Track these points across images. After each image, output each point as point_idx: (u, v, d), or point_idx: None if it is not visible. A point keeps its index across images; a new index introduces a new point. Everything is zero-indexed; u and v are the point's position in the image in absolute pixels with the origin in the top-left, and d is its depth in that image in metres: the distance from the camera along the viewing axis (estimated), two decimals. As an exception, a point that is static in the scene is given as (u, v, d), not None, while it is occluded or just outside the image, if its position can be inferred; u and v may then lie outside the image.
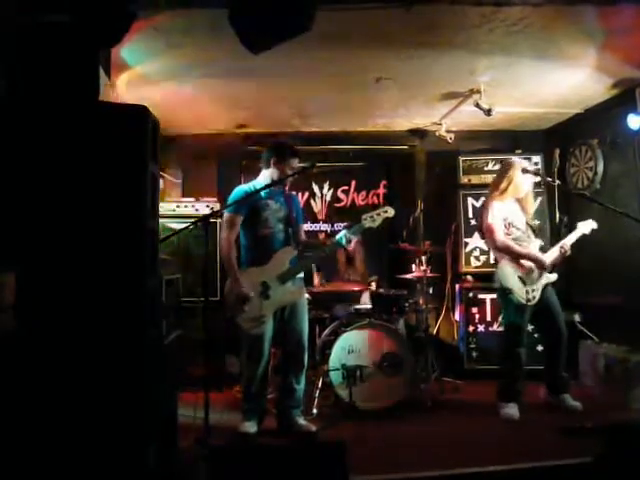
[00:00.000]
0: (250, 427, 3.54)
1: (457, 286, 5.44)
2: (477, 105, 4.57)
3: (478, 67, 4.11)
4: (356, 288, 4.82)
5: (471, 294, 5.28)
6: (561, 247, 3.97)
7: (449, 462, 3.01)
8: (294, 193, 4.12)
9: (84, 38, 2.49)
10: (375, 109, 5.21)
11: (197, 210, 5.01)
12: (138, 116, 2.49)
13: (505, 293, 3.94)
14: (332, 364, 3.99)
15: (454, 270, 5.60)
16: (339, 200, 6.02)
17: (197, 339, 3.67)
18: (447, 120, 5.34)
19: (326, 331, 4.50)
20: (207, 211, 4.74)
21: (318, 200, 6.00)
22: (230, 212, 3.61)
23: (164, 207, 4.89)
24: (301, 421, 3.65)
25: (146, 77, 4.03)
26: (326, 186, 6.00)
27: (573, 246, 4.00)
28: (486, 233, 4.05)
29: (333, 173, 5.97)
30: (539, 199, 5.29)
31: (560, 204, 4.20)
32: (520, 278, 3.90)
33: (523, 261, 3.93)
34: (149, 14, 3.06)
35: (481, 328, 5.22)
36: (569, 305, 4.25)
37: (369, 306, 4.54)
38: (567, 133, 5.58)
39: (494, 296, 5.14)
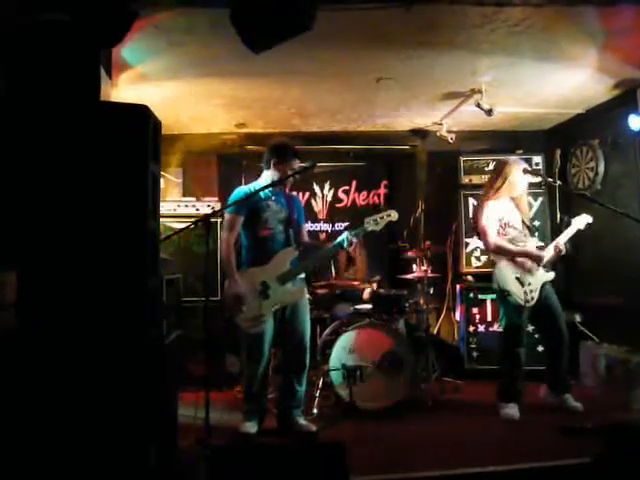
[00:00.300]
0: (251, 427, 3.54)
1: (458, 286, 5.44)
2: (478, 105, 4.57)
3: (479, 67, 4.11)
4: (355, 283, 4.81)
5: (472, 294, 5.28)
6: (555, 246, 3.97)
7: (449, 462, 3.01)
8: (295, 194, 4.12)
9: (85, 38, 2.49)
10: (376, 109, 5.21)
11: (198, 210, 5.01)
12: (139, 116, 2.49)
13: (503, 294, 3.94)
14: (332, 364, 3.99)
15: (455, 270, 5.61)
16: (340, 200, 6.01)
17: (198, 339, 3.68)
18: (448, 120, 5.33)
19: (327, 331, 4.50)
20: (208, 211, 4.74)
21: (319, 200, 6.00)
22: (230, 213, 3.62)
23: (165, 207, 4.89)
24: (302, 421, 3.65)
25: (147, 76, 4.04)
26: (327, 186, 6.00)
27: (574, 246, 4.00)
28: (480, 234, 4.06)
29: (334, 173, 5.97)
30: (540, 199, 5.30)
31: (561, 204, 4.21)
32: (518, 279, 3.90)
33: (520, 260, 3.93)
34: (150, 13, 3.06)
35: (481, 328, 5.22)
36: (569, 305, 4.25)
37: (369, 306, 4.54)
38: (568, 133, 5.58)
39: (494, 296, 5.15)
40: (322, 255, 3.78)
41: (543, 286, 3.97)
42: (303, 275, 3.77)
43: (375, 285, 4.85)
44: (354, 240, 3.62)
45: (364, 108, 5.20)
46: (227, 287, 3.58)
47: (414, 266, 4.83)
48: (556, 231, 4.33)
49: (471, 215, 5.43)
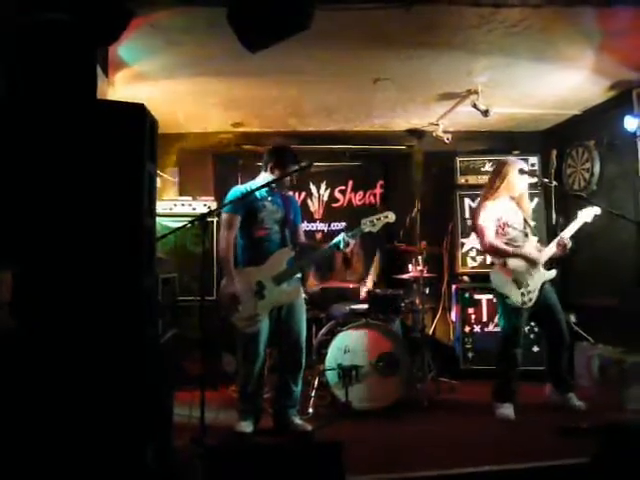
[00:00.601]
0: (246, 427, 3.54)
1: (453, 286, 5.44)
2: (474, 106, 4.58)
3: (476, 68, 4.12)
4: (352, 286, 4.81)
5: (467, 294, 5.29)
6: (559, 241, 3.97)
7: (445, 462, 3.01)
8: (292, 194, 4.12)
9: (82, 36, 2.48)
10: (373, 109, 5.21)
11: (194, 209, 5.01)
12: (136, 114, 2.48)
13: (501, 297, 3.95)
14: (328, 364, 3.99)
15: (450, 270, 5.61)
16: (336, 200, 6.01)
17: (193, 338, 3.67)
18: (444, 121, 5.34)
19: (322, 331, 4.50)
20: (204, 210, 4.74)
21: (315, 200, 5.99)
22: (228, 212, 3.62)
23: (161, 206, 4.88)
24: (297, 421, 3.65)
25: (144, 75, 4.03)
26: (323, 186, 6.00)
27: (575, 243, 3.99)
28: (477, 234, 4.07)
29: (330, 173, 5.97)
30: (536, 200, 5.31)
31: (557, 205, 4.21)
32: (515, 281, 3.90)
33: (516, 261, 3.93)
34: (147, 12, 3.05)
35: (477, 329, 5.22)
36: (565, 306, 4.25)
37: (366, 306, 4.54)
38: (564, 134, 5.60)
39: (490, 297, 5.17)
40: (318, 256, 3.78)
41: (543, 285, 3.98)
42: (299, 275, 3.77)
43: (371, 285, 4.85)
44: (351, 241, 3.62)
45: (361, 108, 5.20)
46: (223, 286, 3.58)
47: (410, 266, 4.83)
48: (552, 232, 4.33)
49: (467, 215, 5.47)
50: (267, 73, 4.12)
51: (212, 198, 5.19)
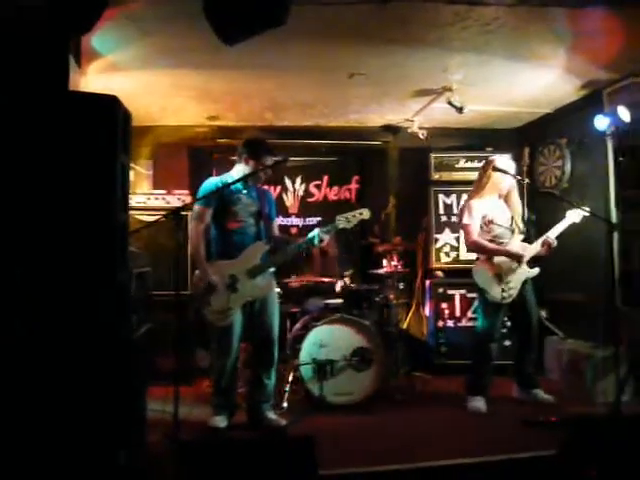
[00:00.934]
0: (220, 421, 3.53)
1: (427, 282, 5.49)
2: (449, 103, 4.61)
3: (451, 65, 4.14)
4: (327, 280, 4.82)
5: (441, 290, 5.33)
6: (544, 241, 4.02)
7: (418, 455, 3.05)
8: (267, 188, 4.11)
9: (54, 26, 2.44)
10: (348, 104, 5.22)
11: (168, 203, 4.97)
12: (108, 106, 2.45)
13: (481, 291, 4.01)
14: (303, 358, 4.00)
15: (424, 266, 5.66)
16: (311, 195, 6.01)
17: (167, 333, 3.64)
18: (420, 117, 5.37)
19: (297, 325, 4.50)
20: (178, 204, 4.70)
21: (290, 194, 5.99)
22: (200, 205, 3.60)
23: (135, 199, 4.84)
24: (271, 415, 3.65)
25: (118, 66, 3.96)
26: (298, 180, 5.99)
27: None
28: (463, 232, 4.14)
29: (306, 168, 5.97)
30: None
31: (529, 202, 4.27)
32: (496, 277, 3.96)
33: (500, 257, 3.99)
34: (121, 2, 3.01)
35: (450, 323, 5.28)
36: (537, 302, 4.33)
37: (340, 301, 4.55)
38: (537, 132, 5.67)
39: (463, 292, 5.24)
40: (292, 251, 3.78)
41: (525, 282, 4.05)
42: (273, 269, 3.77)
43: (347, 280, 4.86)
44: (325, 237, 3.63)
45: (337, 103, 5.20)
46: (197, 277, 3.58)
47: (384, 261, 4.86)
48: (524, 229, 4.38)
49: (442, 211, 5.52)
50: (243, 67, 4.09)
51: (187, 192, 5.14)
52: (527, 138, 5.77)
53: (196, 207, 3.62)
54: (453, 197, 5.52)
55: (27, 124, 2.31)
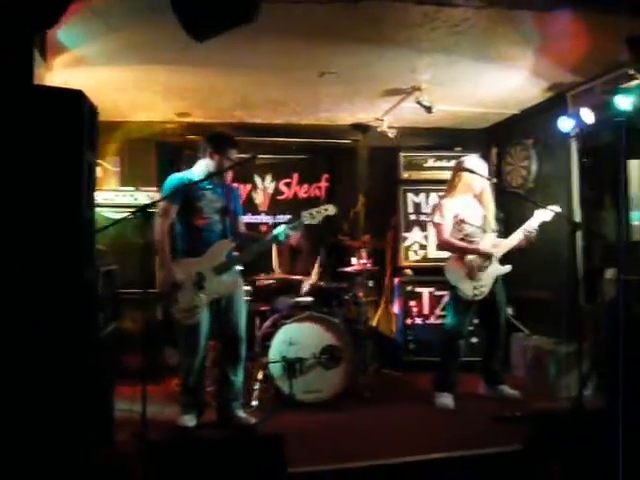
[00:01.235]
0: (189, 420, 3.50)
1: (396, 279, 5.54)
2: (418, 102, 4.66)
3: (419, 65, 4.18)
4: (296, 278, 4.82)
5: (409, 287, 5.38)
6: (527, 236, 4.01)
7: (387, 452, 3.08)
8: (234, 185, 4.09)
9: (18, 19, 2.39)
10: (319, 103, 5.22)
11: (136, 199, 4.90)
12: (74, 101, 2.41)
13: (452, 288, 4.08)
14: (272, 356, 4.00)
15: (393, 264, 5.70)
16: (281, 192, 6.01)
17: (135, 331, 3.60)
18: (390, 116, 5.41)
19: (266, 323, 4.50)
20: (146, 201, 4.64)
21: (260, 192, 5.97)
22: (164, 201, 3.55)
23: (102, 196, 4.76)
24: (240, 414, 3.64)
25: (85, 60, 3.89)
26: (268, 178, 5.98)
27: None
28: (434, 231, 4.22)
29: (276, 165, 5.96)
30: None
31: (497, 201, 4.34)
32: (468, 274, 4.02)
33: (470, 256, 4.04)
34: (88, -5, 2.96)
35: (418, 321, 5.33)
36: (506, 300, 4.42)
37: (310, 298, 4.56)
38: (504, 133, 5.77)
39: (432, 289, 5.30)
40: (259, 247, 3.77)
41: (496, 281, 4.11)
42: (239, 266, 3.75)
43: (316, 278, 4.87)
44: (291, 233, 3.64)
45: (307, 101, 5.20)
46: (162, 276, 3.53)
47: (354, 259, 4.89)
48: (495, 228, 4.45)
49: (410, 210, 5.57)
50: (213, 63, 4.07)
51: (155, 189, 5.06)
52: (495, 138, 5.87)
53: (160, 203, 3.58)
54: (422, 196, 5.58)
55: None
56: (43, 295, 2.27)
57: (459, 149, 5.56)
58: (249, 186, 5.92)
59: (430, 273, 5.17)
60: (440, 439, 3.34)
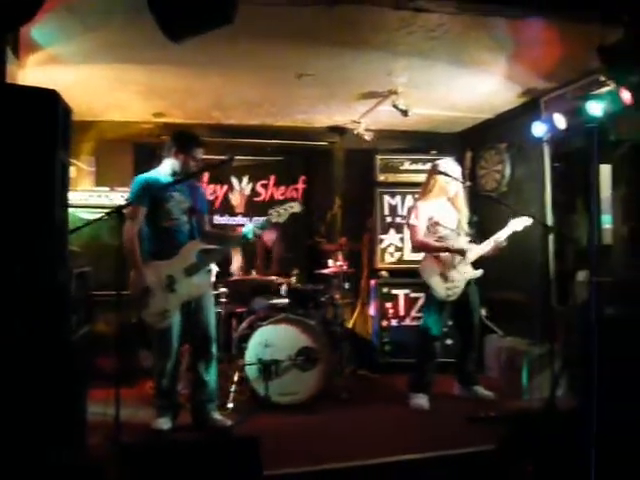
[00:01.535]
0: (164, 423, 3.47)
1: (372, 281, 5.57)
2: (394, 106, 4.69)
3: (396, 68, 4.21)
4: (273, 278, 4.81)
5: (385, 289, 5.41)
6: (496, 245, 4.09)
7: (363, 453, 3.09)
8: (199, 184, 4.06)
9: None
10: (296, 105, 5.23)
11: (111, 200, 4.85)
12: (48, 100, 2.38)
13: (426, 288, 4.13)
14: (248, 358, 3.99)
15: (369, 266, 5.73)
16: (258, 194, 6.00)
17: (109, 334, 3.56)
18: (366, 119, 5.44)
19: (243, 325, 4.48)
20: (121, 201, 4.59)
21: (237, 193, 5.96)
22: (132, 204, 3.51)
23: (76, 197, 4.69)
24: (216, 416, 3.62)
25: (59, 59, 3.83)
26: (245, 180, 5.98)
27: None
28: (409, 232, 4.26)
29: (252, 167, 5.95)
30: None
31: (471, 205, 4.39)
32: (441, 275, 4.06)
33: (444, 256, 4.08)
34: (63, -7, 2.92)
35: (394, 323, 5.36)
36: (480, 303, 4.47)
37: (286, 300, 4.56)
38: (478, 137, 5.84)
39: (407, 291, 5.34)
40: (227, 247, 3.74)
41: (469, 283, 4.16)
42: (209, 267, 3.73)
43: (293, 280, 4.87)
44: (259, 232, 3.64)
45: (284, 103, 5.20)
46: (133, 279, 3.46)
47: (330, 261, 4.90)
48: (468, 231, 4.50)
49: (387, 212, 5.60)
50: (190, 64, 4.05)
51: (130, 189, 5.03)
52: (469, 142, 5.94)
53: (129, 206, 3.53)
54: (398, 198, 5.62)
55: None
56: (14, 296, 2.23)
57: (434, 152, 5.62)
58: (226, 187, 5.91)
59: (406, 275, 5.21)
60: (415, 440, 3.36)
